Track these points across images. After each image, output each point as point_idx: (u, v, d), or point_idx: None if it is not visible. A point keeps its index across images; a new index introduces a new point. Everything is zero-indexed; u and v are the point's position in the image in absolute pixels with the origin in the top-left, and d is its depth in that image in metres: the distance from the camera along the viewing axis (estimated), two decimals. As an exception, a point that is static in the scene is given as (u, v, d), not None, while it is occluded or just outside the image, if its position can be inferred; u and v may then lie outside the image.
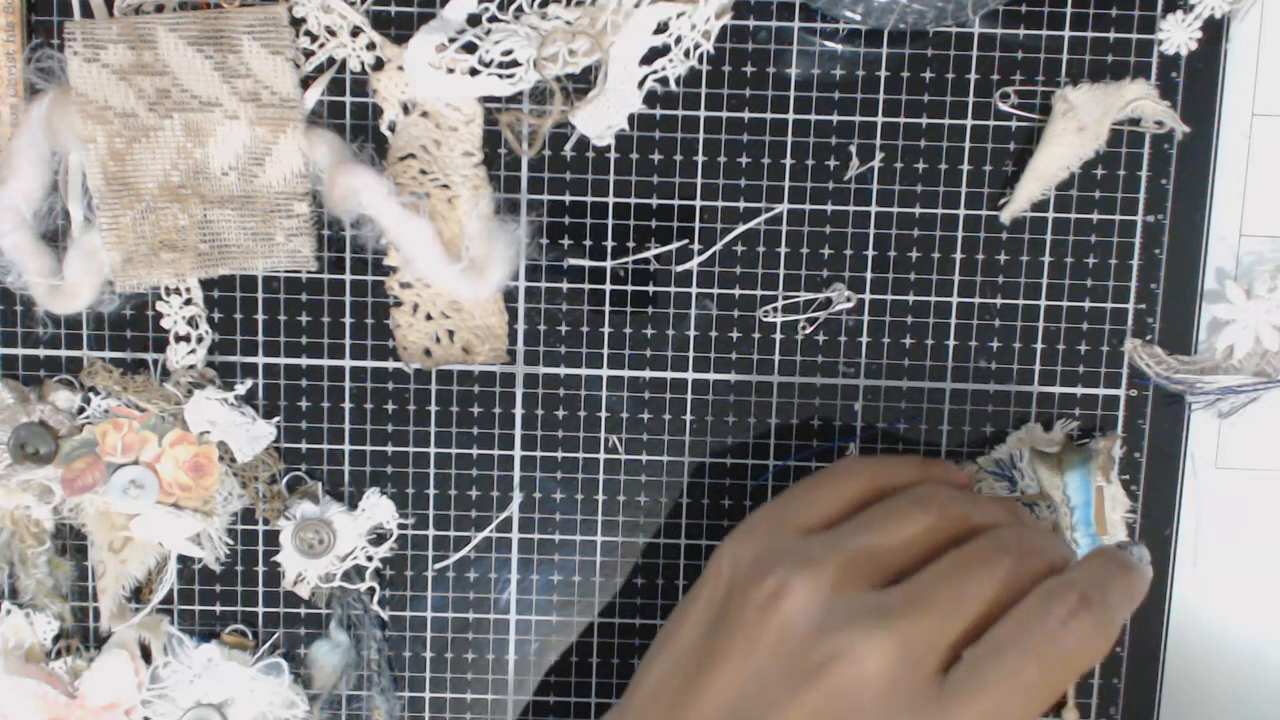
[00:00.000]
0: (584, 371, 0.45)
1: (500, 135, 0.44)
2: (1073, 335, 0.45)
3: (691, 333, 0.45)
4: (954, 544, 0.38)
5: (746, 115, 0.44)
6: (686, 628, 0.38)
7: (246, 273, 0.44)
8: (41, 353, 0.45)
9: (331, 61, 0.43)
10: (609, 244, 0.44)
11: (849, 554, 0.37)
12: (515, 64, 0.42)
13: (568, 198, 0.44)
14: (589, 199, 0.44)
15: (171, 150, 0.42)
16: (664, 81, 0.43)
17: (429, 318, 0.45)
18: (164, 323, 0.45)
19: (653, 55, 0.43)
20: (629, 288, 0.45)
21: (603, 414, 0.45)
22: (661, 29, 0.43)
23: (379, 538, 0.46)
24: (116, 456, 0.44)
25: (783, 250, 0.44)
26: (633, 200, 0.44)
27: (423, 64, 0.42)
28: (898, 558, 0.37)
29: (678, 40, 0.43)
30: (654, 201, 0.44)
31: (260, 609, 0.46)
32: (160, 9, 0.42)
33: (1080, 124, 0.43)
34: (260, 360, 0.45)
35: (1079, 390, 0.45)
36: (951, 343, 0.45)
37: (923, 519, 0.38)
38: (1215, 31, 0.43)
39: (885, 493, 0.41)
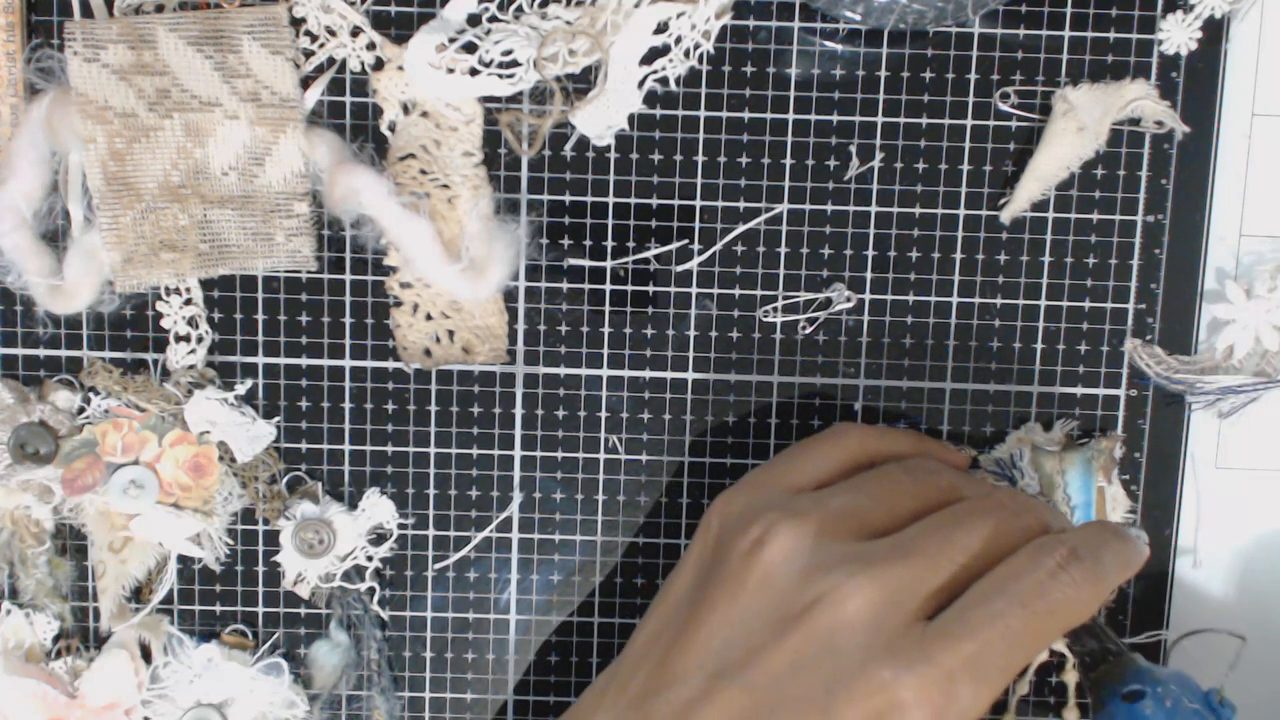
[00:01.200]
0: (584, 371, 0.45)
1: (500, 135, 0.44)
2: (1073, 335, 0.45)
3: (691, 333, 0.45)
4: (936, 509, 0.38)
5: (746, 115, 0.44)
6: (678, 583, 0.39)
7: (246, 273, 0.44)
8: (41, 353, 0.45)
9: (331, 61, 0.43)
10: (609, 244, 0.44)
11: (835, 509, 0.37)
12: (515, 64, 0.42)
13: (568, 198, 0.44)
14: (589, 199, 0.44)
15: (171, 150, 0.42)
16: (664, 81, 0.43)
17: (429, 318, 0.45)
18: (164, 323, 0.45)
19: (653, 55, 0.43)
20: (629, 288, 0.45)
21: (603, 414, 0.45)
22: (661, 29, 0.43)
23: (379, 538, 0.46)
24: (116, 456, 0.44)
25: (783, 250, 0.44)
26: (633, 200, 0.44)
27: (423, 64, 0.42)
28: (883, 519, 0.38)
29: (678, 40, 0.43)
30: (654, 201, 0.44)
31: (260, 609, 0.46)
32: (160, 9, 0.42)
33: (1080, 124, 0.43)
34: (260, 360, 0.45)
35: (1079, 390, 0.45)
36: (951, 343, 0.45)
37: (911, 486, 0.39)
38: (1215, 31, 0.43)
39: (877, 461, 0.41)
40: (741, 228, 0.44)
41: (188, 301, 0.45)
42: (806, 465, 0.40)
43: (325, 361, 0.45)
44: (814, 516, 0.37)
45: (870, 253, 0.44)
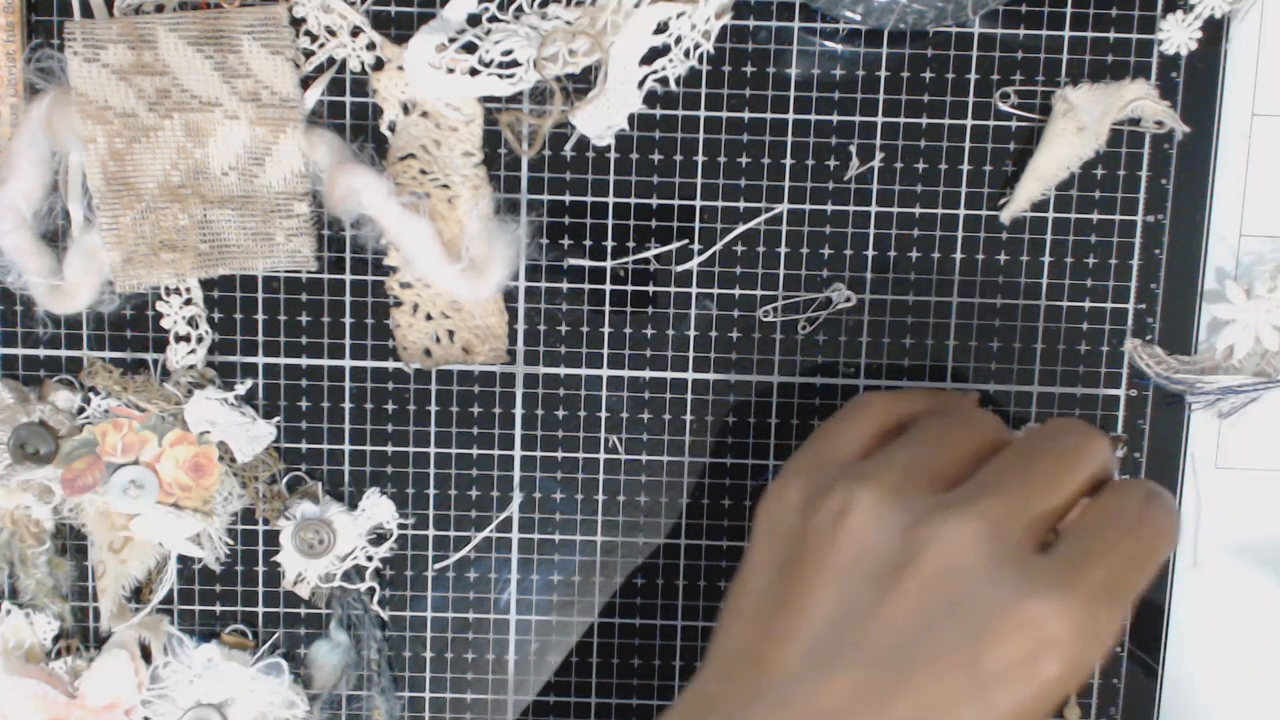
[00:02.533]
0: (584, 371, 0.45)
1: (500, 135, 0.44)
2: (1073, 335, 0.45)
3: (691, 333, 0.45)
4: (995, 453, 0.37)
5: (746, 115, 0.44)
6: (750, 583, 0.36)
7: (246, 273, 0.44)
8: (41, 353, 0.45)
9: (331, 61, 0.43)
10: (609, 244, 0.44)
11: (905, 463, 0.36)
12: (515, 64, 0.42)
13: (568, 198, 0.44)
14: (589, 199, 0.44)
15: (171, 150, 0.42)
16: (664, 81, 0.43)
17: (429, 318, 0.45)
18: (164, 323, 0.45)
19: (653, 55, 0.43)
20: (629, 288, 0.45)
21: (603, 414, 0.45)
22: (661, 29, 0.43)
23: (379, 538, 0.46)
24: (116, 456, 0.44)
25: (783, 250, 0.44)
26: (633, 200, 0.44)
27: (423, 64, 0.42)
28: (951, 464, 0.36)
29: (678, 40, 0.43)
30: (654, 201, 0.44)
31: (260, 609, 0.46)
32: (160, 9, 0.42)
33: (1080, 124, 0.43)
34: (260, 360, 0.45)
35: (1079, 390, 0.45)
36: (951, 343, 0.45)
37: (964, 426, 0.38)
38: (1215, 31, 0.43)
39: (905, 422, 0.40)
40: (741, 228, 0.44)
41: (188, 301, 0.45)
42: (845, 438, 0.39)
43: (325, 361, 0.45)
44: (888, 474, 0.35)
45: (870, 253, 0.44)
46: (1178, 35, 0.43)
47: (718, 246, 0.44)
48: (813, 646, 0.33)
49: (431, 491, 0.46)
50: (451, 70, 0.42)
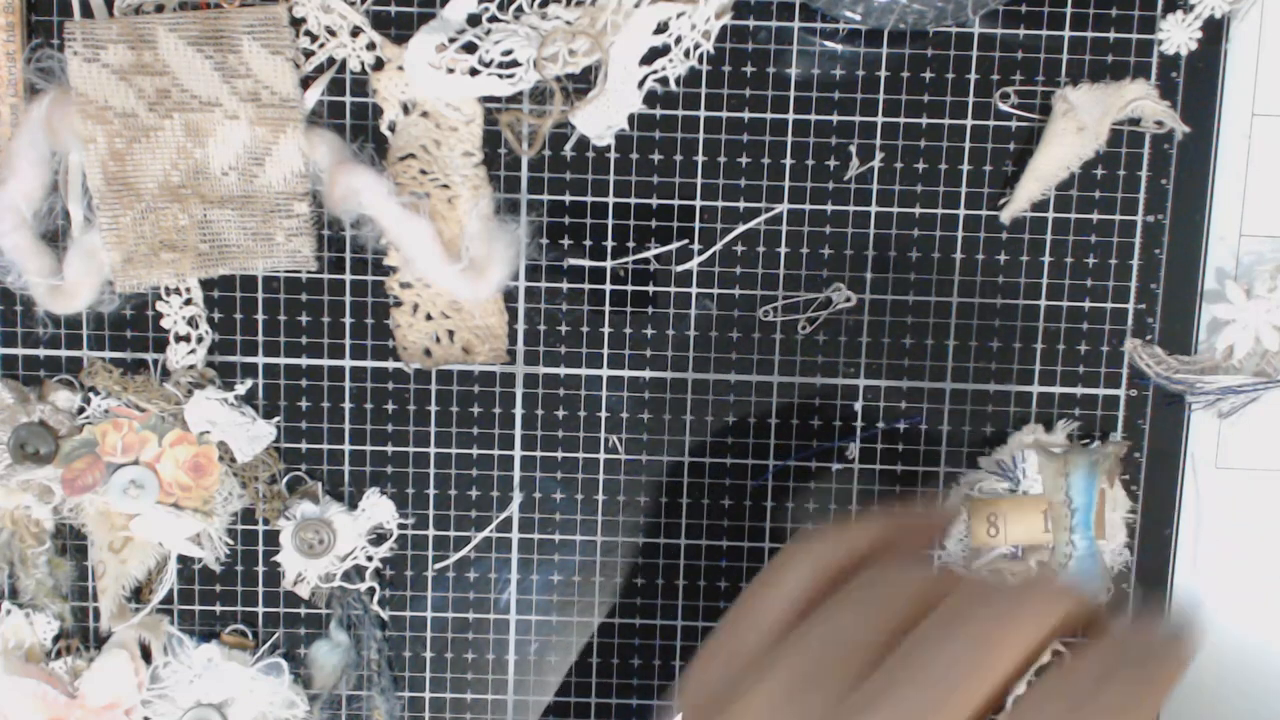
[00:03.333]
0: (584, 371, 0.45)
1: (500, 135, 0.44)
2: (1073, 335, 0.45)
3: (691, 333, 0.45)
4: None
5: (746, 115, 0.44)
6: None
7: (246, 273, 0.44)
8: (41, 353, 0.45)
9: (331, 61, 0.43)
10: (609, 244, 0.44)
11: (814, 652, 0.31)
12: (515, 64, 0.42)
13: (568, 198, 0.44)
14: (589, 199, 0.44)
15: (171, 150, 0.42)
16: (664, 81, 0.43)
17: (429, 318, 0.45)
18: (164, 323, 0.45)
19: (653, 55, 0.43)
20: (629, 288, 0.45)
21: (603, 414, 0.45)
22: (661, 29, 0.43)
23: (379, 538, 0.46)
24: (116, 456, 0.44)
25: (783, 250, 0.44)
26: (633, 200, 0.44)
27: (423, 64, 0.42)
28: (872, 644, 0.30)
29: (678, 40, 0.43)
30: (654, 201, 0.44)
31: (260, 609, 0.46)
32: (160, 9, 0.42)
33: (1080, 124, 0.43)
34: (260, 360, 0.45)
35: (1079, 390, 0.45)
36: (951, 343, 0.45)
37: (897, 592, 0.31)
38: (1215, 31, 0.43)
39: (849, 569, 0.33)
40: (741, 228, 0.44)
41: (188, 301, 0.45)
42: (764, 611, 0.33)
43: (325, 361, 0.45)
44: (790, 668, 0.30)
45: (870, 253, 0.44)
46: (1178, 35, 0.43)
47: (718, 246, 0.44)
48: None
49: (431, 491, 0.46)
50: (451, 70, 0.42)
